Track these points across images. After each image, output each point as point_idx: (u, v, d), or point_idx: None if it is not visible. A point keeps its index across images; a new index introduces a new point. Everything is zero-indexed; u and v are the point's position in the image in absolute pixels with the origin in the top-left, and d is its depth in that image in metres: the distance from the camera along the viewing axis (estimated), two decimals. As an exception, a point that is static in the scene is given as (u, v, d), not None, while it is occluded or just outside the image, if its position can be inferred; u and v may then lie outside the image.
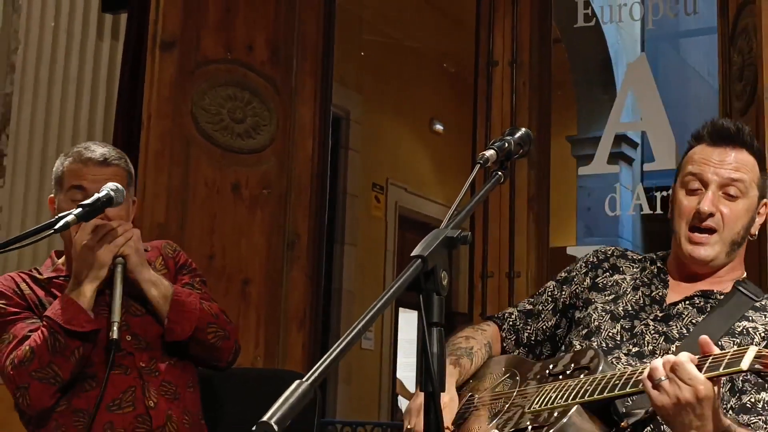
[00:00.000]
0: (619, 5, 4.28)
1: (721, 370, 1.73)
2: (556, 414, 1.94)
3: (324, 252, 4.33)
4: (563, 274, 2.43)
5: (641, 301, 2.23)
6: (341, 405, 7.55)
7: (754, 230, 2.23)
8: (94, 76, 4.59)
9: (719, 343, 2.05)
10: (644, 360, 2.09)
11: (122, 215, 2.60)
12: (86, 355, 2.51)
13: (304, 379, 1.31)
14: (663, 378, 1.77)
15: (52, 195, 2.67)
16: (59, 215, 2.42)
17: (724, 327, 2.09)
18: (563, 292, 2.39)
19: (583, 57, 6.35)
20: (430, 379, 1.52)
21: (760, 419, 1.98)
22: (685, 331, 2.12)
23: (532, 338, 2.41)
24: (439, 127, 9.03)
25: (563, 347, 2.31)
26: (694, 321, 2.14)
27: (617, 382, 1.89)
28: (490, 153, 1.92)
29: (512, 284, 3.99)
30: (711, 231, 2.15)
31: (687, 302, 2.18)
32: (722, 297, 2.18)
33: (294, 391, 1.29)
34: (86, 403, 2.52)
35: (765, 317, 2.13)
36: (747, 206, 2.17)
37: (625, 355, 2.13)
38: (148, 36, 3.95)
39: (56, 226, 2.35)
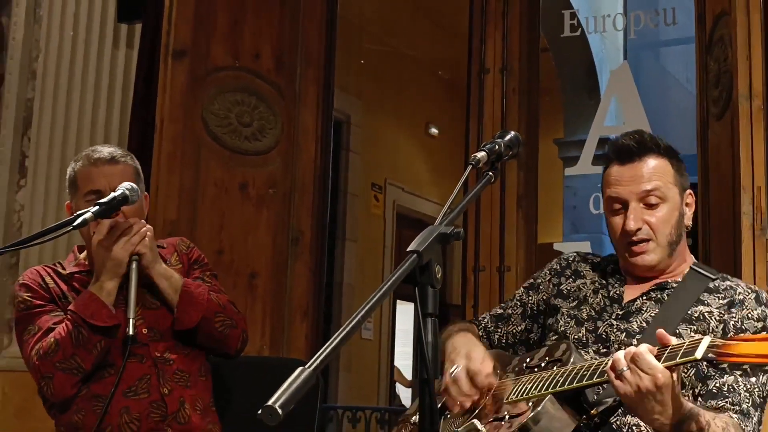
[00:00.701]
0: (603, 16, 4.28)
1: (678, 359, 1.73)
2: (531, 404, 1.95)
3: (326, 248, 4.33)
4: (530, 281, 2.43)
5: (602, 303, 2.22)
6: (342, 391, 7.55)
7: (688, 222, 2.21)
8: (110, 82, 4.59)
9: (677, 330, 2.05)
10: (610, 354, 2.07)
11: (137, 211, 2.61)
12: (107, 348, 2.53)
13: (306, 366, 1.31)
14: (625, 369, 1.77)
15: (69, 201, 2.67)
16: (78, 212, 2.42)
17: (681, 314, 2.09)
18: (531, 298, 2.39)
19: (569, 65, 6.34)
20: (424, 366, 1.52)
21: (726, 402, 1.97)
22: (645, 325, 2.11)
23: (503, 340, 2.41)
24: (434, 130, 9.03)
25: None
26: (652, 314, 2.13)
27: (585, 372, 1.90)
28: (481, 155, 1.92)
29: (502, 278, 3.99)
30: (645, 240, 2.15)
31: (644, 297, 2.17)
32: (677, 284, 2.17)
33: (297, 377, 1.29)
34: (104, 389, 2.53)
35: (719, 299, 2.11)
36: (670, 208, 2.15)
37: (594, 352, 2.13)
38: (161, 45, 3.95)
39: (75, 223, 2.36)
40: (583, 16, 4.28)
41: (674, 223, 2.15)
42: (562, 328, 2.22)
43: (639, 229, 2.13)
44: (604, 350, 2.12)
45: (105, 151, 2.63)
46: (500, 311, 2.43)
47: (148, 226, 2.59)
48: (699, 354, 1.68)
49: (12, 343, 4.64)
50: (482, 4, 4.17)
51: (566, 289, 2.32)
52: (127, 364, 2.52)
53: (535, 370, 2.08)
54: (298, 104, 4.23)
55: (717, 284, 2.15)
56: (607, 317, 2.18)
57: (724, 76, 3.20)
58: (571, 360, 2.00)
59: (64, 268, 2.69)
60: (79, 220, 2.36)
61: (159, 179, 3.80)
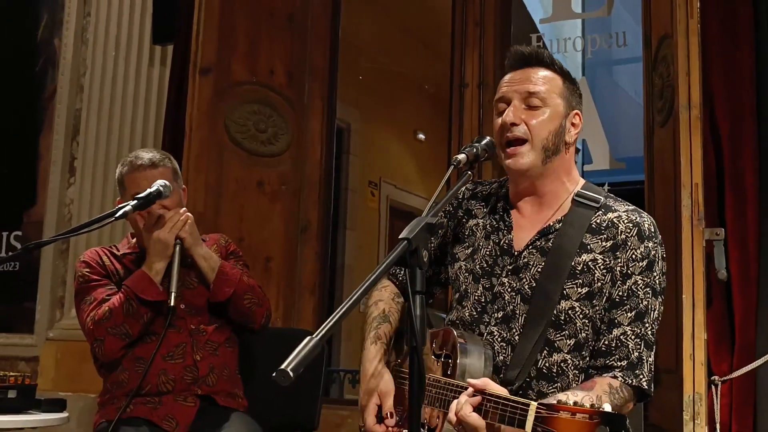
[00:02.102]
0: (564, 39, 4.27)
1: (505, 423, 1.56)
2: (438, 418, 1.85)
3: (330, 235, 4.33)
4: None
5: (494, 253, 1.98)
6: (344, 357, 7.55)
7: (570, 139, 1.96)
8: (147, 95, 4.58)
9: (564, 291, 1.86)
10: (511, 325, 1.91)
11: (175, 203, 2.63)
12: (152, 319, 2.54)
13: (313, 336, 1.31)
14: (456, 429, 1.67)
15: (119, 198, 2.68)
16: (119, 206, 2.44)
17: (566, 268, 1.87)
18: (432, 244, 2.12)
19: (536, 80, 6.32)
20: (413, 336, 1.52)
21: (613, 359, 1.84)
22: (534, 283, 1.90)
23: None
24: (421, 136, 9.01)
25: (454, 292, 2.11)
26: (539, 269, 1.90)
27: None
28: (461, 156, 1.92)
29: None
30: (522, 142, 1.90)
31: (531, 247, 1.93)
32: (560, 225, 1.93)
33: (306, 344, 1.30)
34: (146, 353, 2.56)
35: (602, 241, 1.89)
36: (551, 114, 1.91)
37: (495, 325, 1.93)
38: (189, 63, 3.94)
39: (116, 215, 2.38)
40: (548, 39, 4.27)
41: (553, 130, 1.91)
42: (463, 287, 2.01)
43: (516, 125, 1.90)
44: (501, 314, 1.93)
45: (146, 157, 2.64)
46: None
47: (188, 214, 2.61)
48: (528, 428, 1.48)
49: (64, 316, 4.64)
50: (462, 28, 4.16)
51: (461, 231, 2.08)
52: (168, 333, 2.56)
53: (439, 362, 1.92)
54: (306, 114, 4.23)
55: (600, 218, 1.91)
56: (499, 272, 1.96)
57: (667, 89, 3.20)
58: (457, 370, 1.84)
59: (118, 250, 2.72)
60: (119, 213, 2.38)
61: (188, 177, 3.79)
